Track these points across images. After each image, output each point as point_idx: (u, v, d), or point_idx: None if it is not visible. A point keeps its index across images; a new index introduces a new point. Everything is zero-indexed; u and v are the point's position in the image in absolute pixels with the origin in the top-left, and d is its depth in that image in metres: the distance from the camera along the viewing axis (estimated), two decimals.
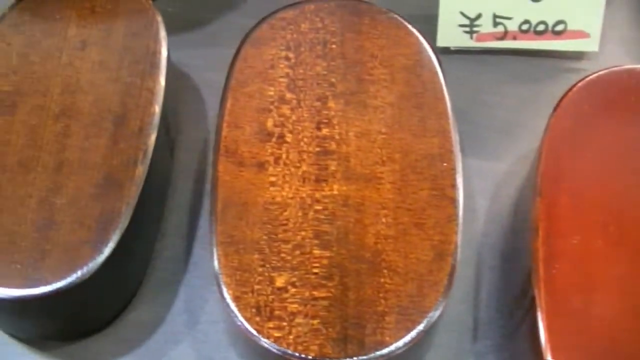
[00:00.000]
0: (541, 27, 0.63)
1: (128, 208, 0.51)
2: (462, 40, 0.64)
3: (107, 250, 0.50)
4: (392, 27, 0.57)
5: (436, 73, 0.56)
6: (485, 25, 0.64)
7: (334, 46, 0.56)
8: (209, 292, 0.56)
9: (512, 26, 0.64)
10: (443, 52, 0.63)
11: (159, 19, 0.57)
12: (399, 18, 0.58)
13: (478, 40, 0.64)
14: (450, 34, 0.64)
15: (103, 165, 0.52)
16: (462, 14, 0.63)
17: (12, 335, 0.55)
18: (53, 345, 0.54)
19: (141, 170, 0.52)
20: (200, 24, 0.68)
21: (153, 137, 0.53)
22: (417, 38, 0.57)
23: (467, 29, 0.64)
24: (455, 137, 0.54)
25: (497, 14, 0.63)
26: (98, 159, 0.52)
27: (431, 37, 0.62)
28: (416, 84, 0.56)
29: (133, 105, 0.54)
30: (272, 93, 0.55)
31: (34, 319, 0.53)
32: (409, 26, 0.57)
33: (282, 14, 0.57)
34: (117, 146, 0.53)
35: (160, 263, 0.57)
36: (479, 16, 0.63)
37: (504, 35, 0.64)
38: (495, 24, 0.64)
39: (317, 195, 0.52)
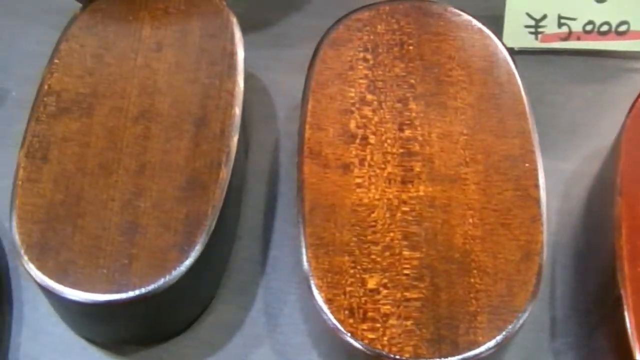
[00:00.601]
0: (605, 28, 0.64)
1: (214, 211, 0.51)
2: (527, 41, 0.64)
3: (194, 254, 0.49)
4: (466, 29, 0.57)
5: (513, 74, 0.56)
6: (550, 26, 0.64)
7: (411, 47, 0.56)
8: (288, 294, 0.55)
9: (577, 27, 0.64)
10: None
11: (234, 20, 0.57)
12: (473, 19, 0.58)
13: (543, 40, 0.65)
14: (515, 35, 0.64)
15: (186, 167, 0.52)
16: (528, 15, 0.63)
17: (90, 340, 0.54)
18: (132, 350, 0.54)
19: (225, 173, 0.52)
20: (265, 25, 0.67)
21: (235, 140, 0.53)
22: (491, 39, 0.57)
23: (532, 29, 0.64)
24: (535, 138, 0.55)
25: (562, 14, 0.64)
26: (180, 161, 0.52)
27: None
28: (494, 85, 0.56)
29: (213, 107, 0.54)
30: (352, 94, 0.54)
31: (117, 324, 0.52)
32: (483, 28, 0.57)
33: (358, 15, 0.57)
34: (199, 148, 0.52)
35: (238, 265, 0.57)
36: (544, 17, 0.64)
37: (568, 36, 0.65)
38: (560, 25, 0.64)
39: (404, 196, 0.52)
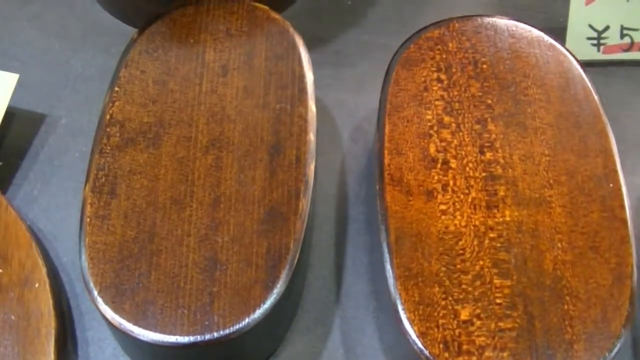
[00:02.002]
0: None
1: (296, 244, 0.49)
2: (589, 53, 0.63)
3: (278, 290, 0.47)
4: (538, 44, 0.56)
5: (590, 91, 0.54)
6: (612, 38, 0.63)
7: (484, 66, 0.55)
8: (365, 323, 0.54)
9: (639, 37, 0.64)
10: None
11: (301, 40, 0.55)
12: (544, 35, 0.56)
13: (605, 52, 0.63)
14: (578, 47, 0.62)
15: (263, 199, 0.50)
16: (591, 26, 0.62)
17: None
18: None
19: (304, 203, 0.50)
20: (321, 42, 0.66)
21: (312, 167, 0.51)
22: (565, 55, 0.56)
23: (595, 41, 0.63)
24: (617, 156, 0.53)
25: (625, 25, 0.62)
26: (257, 192, 0.50)
27: None
28: (572, 103, 0.54)
29: (286, 134, 0.52)
30: (430, 117, 0.53)
31: None
32: (555, 43, 0.56)
33: (428, 33, 0.55)
34: (276, 178, 0.50)
35: (312, 294, 0.55)
36: (606, 28, 0.62)
37: (630, 47, 0.63)
38: (622, 36, 0.63)
39: (490, 222, 0.50)
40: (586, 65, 0.65)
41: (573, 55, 0.56)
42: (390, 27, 0.65)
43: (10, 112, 0.59)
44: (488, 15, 0.57)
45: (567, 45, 0.63)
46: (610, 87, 0.64)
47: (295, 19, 0.65)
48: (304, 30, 0.64)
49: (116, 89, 0.54)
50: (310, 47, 0.61)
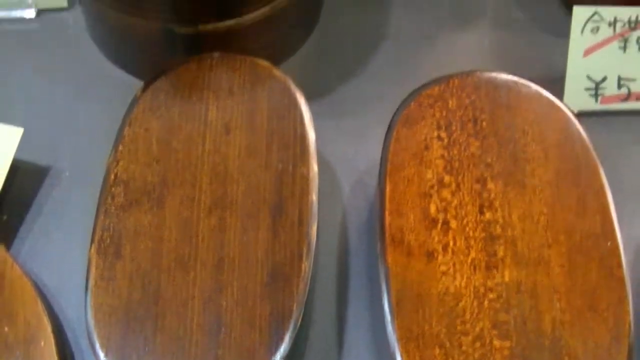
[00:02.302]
0: None
1: (299, 306, 0.49)
2: (587, 104, 0.64)
3: (281, 352, 0.48)
4: (537, 100, 0.56)
5: (587, 147, 0.55)
6: (610, 88, 0.63)
7: (484, 123, 0.55)
8: None
9: (636, 87, 0.64)
10: None
11: (302, 98, 0.55)
12: (542, 90, 0.57)
13: (603, 102, 0.64)
14: (576, 98, 0.63)
15: (266, 261, 0.50)
16: (588, 77, 0.63)
17: None
18: None
19: (307, 265, 0.50)
20: (321, 92, 0.66)
21: (314, 229, 0.51)
22: (563, 111, 0.56)
23: (593, 92, 0.64)
24: (615, 214, 0.54)
25: (622, 76, 0.63)
26: (260, 254, 0.50)
27: None
28: (570, 160, 0.55)
29: (288, 194, 0.52)
30: (430, 176, 0.53)
31: None
32: (554, 99, 0.57)
33: (428, 90, 0.56)
34: (278, 239, 0.51)
35: (314, 352, 0.55)
36: (604, 79, 0.63)
37: (627, 97, 0.64)
38: (620, 86, 0.64)
39: (490, 283, 0.51)
40: (584, 115, 0.66)
41: (571, 111, 0.57)
42: (391, 76, 0.66)
43: (14, 165, 0.60)
44: (487, 71, 0.58)
45: (565, 96, 0.64)
46: (608, 137, 0.65)
47: (297, 68, 0.67)
48: (304, 79, 0.64)
49: (120, 147, 0.55)
50: (310, 97, 0.62)
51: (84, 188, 0.60)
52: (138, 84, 0.63)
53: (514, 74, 0.65)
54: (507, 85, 0.57)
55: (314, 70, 0.67)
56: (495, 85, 0.57)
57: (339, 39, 0.69)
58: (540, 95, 0.57)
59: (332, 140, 0.62)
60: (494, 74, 0.58)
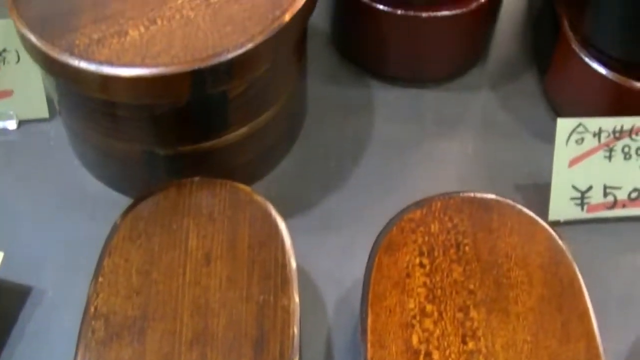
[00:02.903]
0: None
1: None
2: (573, 213, 0.63)
3: None
4: (521, 222, 0.56)
5: (573, 270, 0.54)
6: (596, 197, 0.63)
7: (467, 248, 0.55)
8: None
9: (622, 195, 0.63)
10: (553, 225, 0.61)
11: (283, 225, 0.55)
12: (527, 210, 0.56)
13: (589, 211, 0.63)
14: (562, 208, 0.63)
15: None
16: (574, 187, 0.63)
17: None
18: None
19: None
20: (306, 206, 0.65)
21: None
22: (548, 232, 0.55)
23: (578, 201, 0.63)
24: (599, 340, 0.53)
25: (608, 184, 0.63)
26: None
27: (538, 207, 0.61)
28: (554, 284, 0.54)
29: (270, 327, 0.51)
30: (412, 306, 0.52)
31: None
32: (538, 219, 0.56)
33: (410, 214, 0.55)
34: None
35: None
36: (589, 188, 0.63)
37: (613, 205, 0.64)
38: (606, 195, 0.63)
39: None
40: (570, 224, 0.66)
41: (556, 231, 0.56)
42: (376, 189, 0.65)
43: None
44: (469, 191, 0.57)
45: (551, 206, 0.64)
46: (595, 245, 0.65)
47: (278, 182, 0.67)
48: (286, 193, 0.65)
49: (100, 279, 0.54)
50: (293, 211, 0.62)
51: (66, 308, 0.60)
52: (121, 199, 0.64)
53: (499, 182, 0.66)
54: (490, 206, 0.57)
55: (296, 183, 0.66)
56: (478, 206, 0.57)
57: (321, 150, 0.68)
58: (524, 215, 0.56)
59: (316, 257, 0.62)
60: (477, 195, 0.57)
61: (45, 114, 0.69)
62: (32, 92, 0.68)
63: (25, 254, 0.63)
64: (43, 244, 0.64)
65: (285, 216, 0.58)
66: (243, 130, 0.61)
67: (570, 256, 0.56)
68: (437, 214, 0.57)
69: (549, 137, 0.64)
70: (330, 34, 0.77)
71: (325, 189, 0.67)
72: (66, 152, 0.67)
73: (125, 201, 0.63)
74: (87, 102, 0.59)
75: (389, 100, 0.72)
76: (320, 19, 0.72)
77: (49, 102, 0.69)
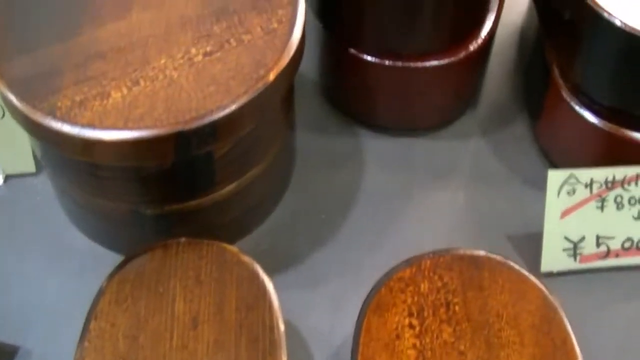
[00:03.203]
0: None
1: None
2: (566, 263, 0.63)
3: None
4: (512, 279, 0.55)
5: (565, 329, 0.53)
6: (588, 247, 0.62)
7: (457, 307, 0.54)
8: None
9: (615, 245, 0.62)
10: (546, 276, 0.62)
11: (271, 286, 0.54)
12: (518, 267, 0.55)
13: (582, 261, 0.63)
14: (554, 259, 0.62)
15: None
16: (566, 238, 0.62)
17: None
18: None
19: None
20: (295, 260, 0.64)
21: None
22: (539, 290, 0.55)
23: (571, 252, 0.62)
24: None
25: (600, 235, 0.62)
26: None
27: (530, 258, 0.62)
28: (546, 344, 0.53)
29: None
30: None
31: None
32: (529, 275, 0.55)
33: (399, 273, 0.55)
34: None
35: None
36: (582, 239, 0.62)
37: (606, 254, 0.63)
38: (598, 245, 0.62)
39: None
40: (563, 274, 0.65)
41: (547, 288, 0.55)
42: (366, 241, 0.65)
43: None
44: (459, 249, 0.56)
45: (543, 257, 0.63)
46: (588, 296, 0.64)
47: (267, 235, 0.66)
48: (275, 246, 0.64)
49: (86, 344, 0.53)
50: (282, 266, 0.61)
51: None
52: (109, 255, 0.63)
53: (491, 232, 0.66)
54: (480, 263, 0.56)
55: (285, 237, 0.65)
56: (469, 263, 0.56)
57: (310, 202, 0.68)
58: (515, 272, 0.56)
59: (306, 313, 0.61)
60: (467, 252, 0.56)
61: (32, 168, 0.69)
62: (18, 146, 0.68)
63: (11, 312, 0.62)
64: (30, 302, 0.63)
65: (274, 271, 0.57)
66: (230, 187, 0.60)
67: (562, 314, 0.55)
68: (426, 272, 0.56)
69: (541, 184, 0.64)
70: (320, 84, 0.76)
71: (314, 242, 0.66)
72: (53, 207, 0.67)
73: (113, 257, 0.63)
74: (71, 163, 0.59)
75: (379, 150, 0.72)
76: (309, 68, 0.71)
77: (36, 156, 0.69)
